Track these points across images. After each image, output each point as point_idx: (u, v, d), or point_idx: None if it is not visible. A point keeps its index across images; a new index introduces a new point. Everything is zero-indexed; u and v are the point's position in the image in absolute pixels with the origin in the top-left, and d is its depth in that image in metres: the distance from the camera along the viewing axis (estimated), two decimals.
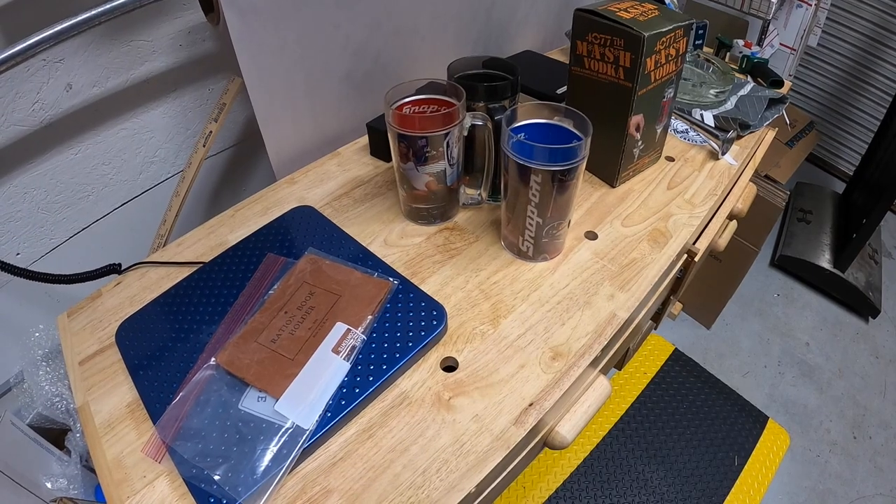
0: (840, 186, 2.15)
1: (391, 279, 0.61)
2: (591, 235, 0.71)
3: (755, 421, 1.55)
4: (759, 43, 1.49)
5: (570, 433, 0.57)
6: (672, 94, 0.78)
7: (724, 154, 0.89)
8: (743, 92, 1.06)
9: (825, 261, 1.83)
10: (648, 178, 0.82)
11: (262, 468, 0.48)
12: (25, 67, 0.74)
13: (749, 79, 1.13)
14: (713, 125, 0.95)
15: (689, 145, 0.95)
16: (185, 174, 0.80)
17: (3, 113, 0.76)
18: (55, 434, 0.87)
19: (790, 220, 2.01)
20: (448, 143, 0.65)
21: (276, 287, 0.61)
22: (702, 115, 1.00)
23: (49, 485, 0.80)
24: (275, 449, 0.49)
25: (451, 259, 0.69)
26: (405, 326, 0.58)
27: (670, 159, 0.87)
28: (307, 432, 0.50)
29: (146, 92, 0.86)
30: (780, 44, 1.58)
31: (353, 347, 0.55)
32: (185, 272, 0.67)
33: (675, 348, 1.67)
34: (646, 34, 0.66)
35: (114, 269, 0.71)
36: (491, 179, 0.72)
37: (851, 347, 1.76)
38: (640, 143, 0.79)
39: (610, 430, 1.48)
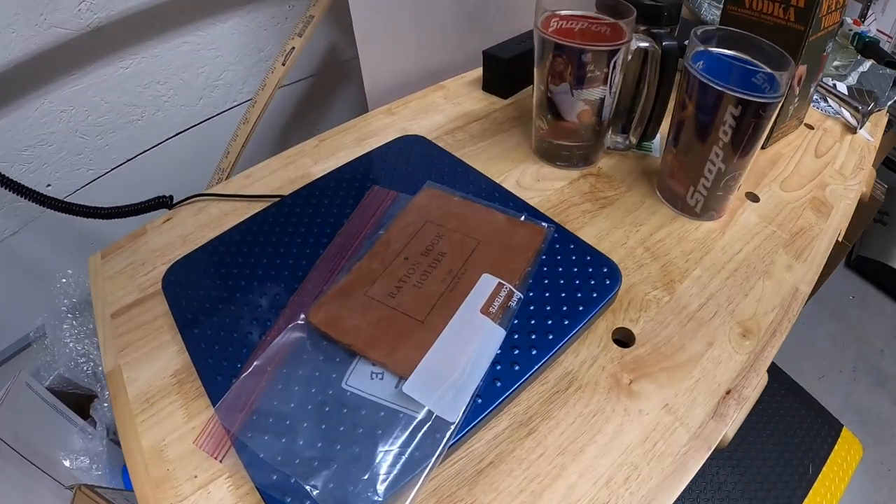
0: None
1: (544, 224, 0.42)
2: (753, 197, 0.57)
3: (830, 428, 1.38)
4: None
5: (732, 429, 0.44)
6: (829, 50, 0.63)
7: (861, 127, 0.74)
8: (863, 69, 0.90)
9: None
10: (794, 144, 0.69)
11: (382, 478, 0.29)
12: None
13: (861, 57, 0.96)
14: (846, 95, 0.79)
15: (822, 115, 0.81)
16: (258, 97, 0.61)
17: (43, 12, 0.58)
18: (79, 401, 0.69)
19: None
20: (614, 63, 0.47)
21: (387, 226, 0.41)
22: (835, 84, 0.83)
23: (67, 463, 0.61)
24: (403, 450, 0.30)
25: (604, 210, 0.51)
26: (570, 285, 0.39)
27: (809, 127, 0.74)
28: (452, 427, 0.31)
29: (215, 1, 0.66)
30: (877, 30, 1.38)
31: (509, 308, 0.35)
32: (257, 208, 0.48)
33: None
34: None
35: (163, 202, 0.53)
36: (646, 121, 0.53)
37: None
38: (796, 99, 0.63)
39: None
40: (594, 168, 0.55)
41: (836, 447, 1.32)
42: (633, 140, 0.55)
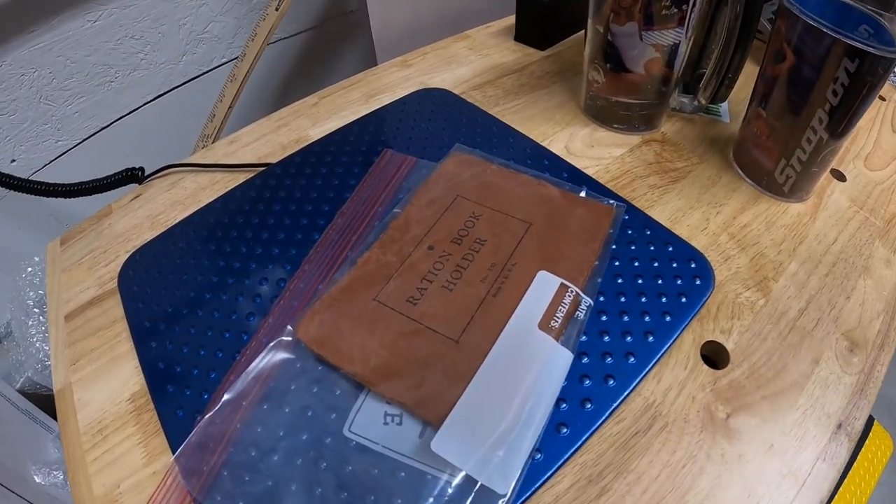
0: None
1: (612, 202, 0.30)
2: (839, 175, 0.46)
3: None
4: None
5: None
6: None
7: None
8: None
9: None
10: (869, 115, 0.58)
11: None
12: None
13: None
14: None
15: (891, 86, 0.68)
16: (248, 50, 0.49)
17: None
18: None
19: None
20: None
21: (405, 202, 0.30)
22: None
23: (38, 478, 0.52)
24: None
25: (675, 184, 0.40)
26: (651, 286, 0.29)
27: (881, 98, 0.62)
28: (503, 501, 0.20)
29: None
30: None
31: (575, 320, 0.24)
32: (241, 179, 0.37)
33: None
34: None
35: (133, 175, 0.42)
36: (721, 77, 0.42)
37: None
38: None
39: None
40: (657, 133, 0.44)
41: (867, 442, 1.24)
42: (703, 101, 0.43)
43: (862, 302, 0.36)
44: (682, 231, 0.37)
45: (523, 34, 0.52)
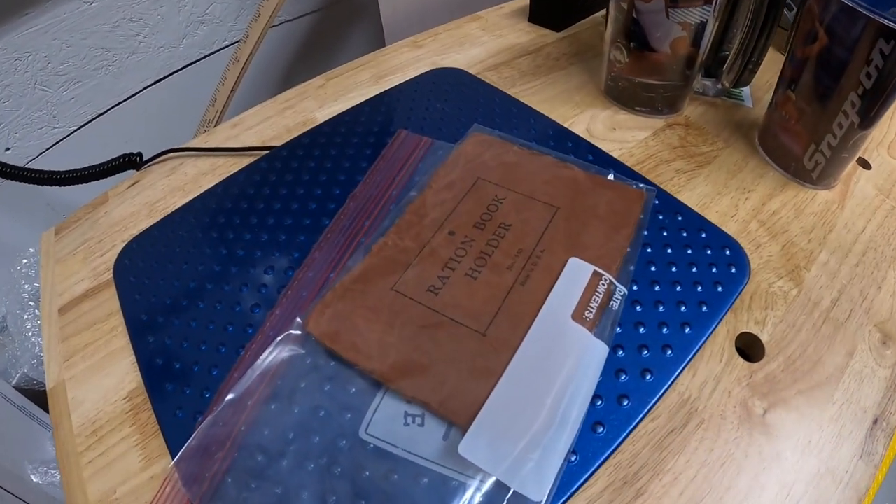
0: None
1: (641, 185, 0.28)
2: (863, 163, 0.44)
3: None
4: None
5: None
6: None
7: None
8: None
9: None
10: None
11: None
12: None
13: None
14: None
15: None
16: (251, 31, 0.47)
17: None
18: None
19: None
20: None
21: (422, 185, 0.28)
22: None
23: (35, 478, 0.50)
24: None
25: (701, 169, 0.38)
26: (686, 275, 0.27)
27: None
28: None
29: None
30: None
31: (609, 310, 0.22)
32: (245, 163, 0.35)
33: None
34: None
35: (131, 161, 0.40)
36: (746, 60, 0.40)
37: None
38: None
39: None
40: (680, 117, 0.42)
41: None
42: (727, 84, 0.41)
43: (893, 293, 0.35)
44: (711, 217, 0.35)
45: (538, 15, 0.49)
